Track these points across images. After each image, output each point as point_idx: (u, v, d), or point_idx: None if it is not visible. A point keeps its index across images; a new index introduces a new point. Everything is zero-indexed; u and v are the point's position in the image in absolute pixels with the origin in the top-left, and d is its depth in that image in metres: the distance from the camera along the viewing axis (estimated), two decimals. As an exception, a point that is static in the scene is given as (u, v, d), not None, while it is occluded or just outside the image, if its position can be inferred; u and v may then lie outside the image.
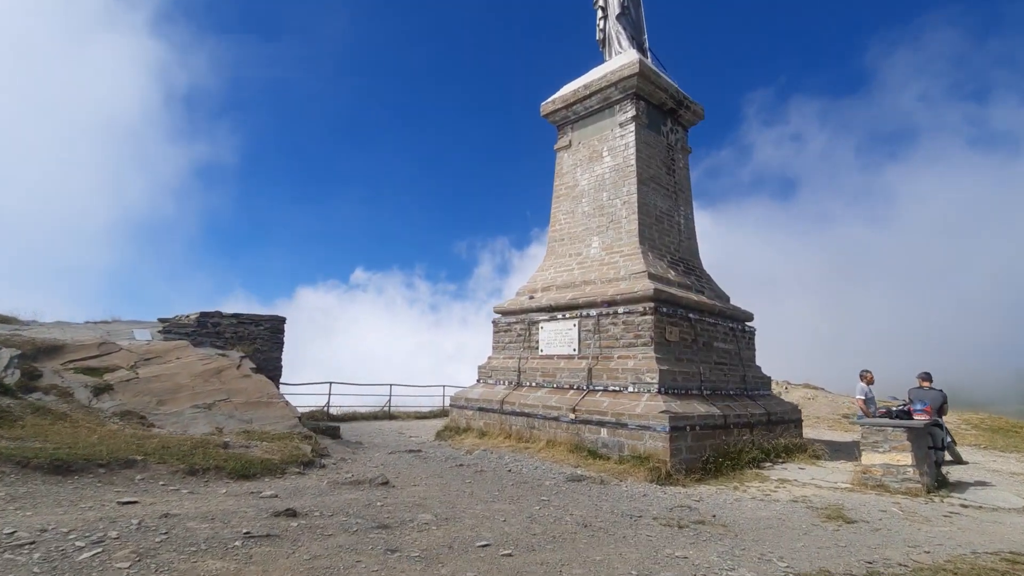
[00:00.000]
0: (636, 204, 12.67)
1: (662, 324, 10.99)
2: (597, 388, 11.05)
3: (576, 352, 11.97)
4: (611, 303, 11.56)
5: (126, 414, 7.74)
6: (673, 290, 11.65)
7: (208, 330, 10.87)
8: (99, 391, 8.08)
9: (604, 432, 10.23)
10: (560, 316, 12.45)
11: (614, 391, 10.76)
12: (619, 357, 11.13)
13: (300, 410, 16.66)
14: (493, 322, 14.24)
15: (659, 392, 10.12)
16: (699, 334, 11.91)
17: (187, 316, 10.89)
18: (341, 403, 18.14)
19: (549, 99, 15.09)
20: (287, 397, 16.55)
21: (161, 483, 5.49)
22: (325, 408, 16.92)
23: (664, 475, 9.12)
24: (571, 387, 11.57)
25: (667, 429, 9.35)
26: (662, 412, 9.52)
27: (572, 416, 10.75)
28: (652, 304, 10.89)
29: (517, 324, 13.49)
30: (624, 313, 11.24)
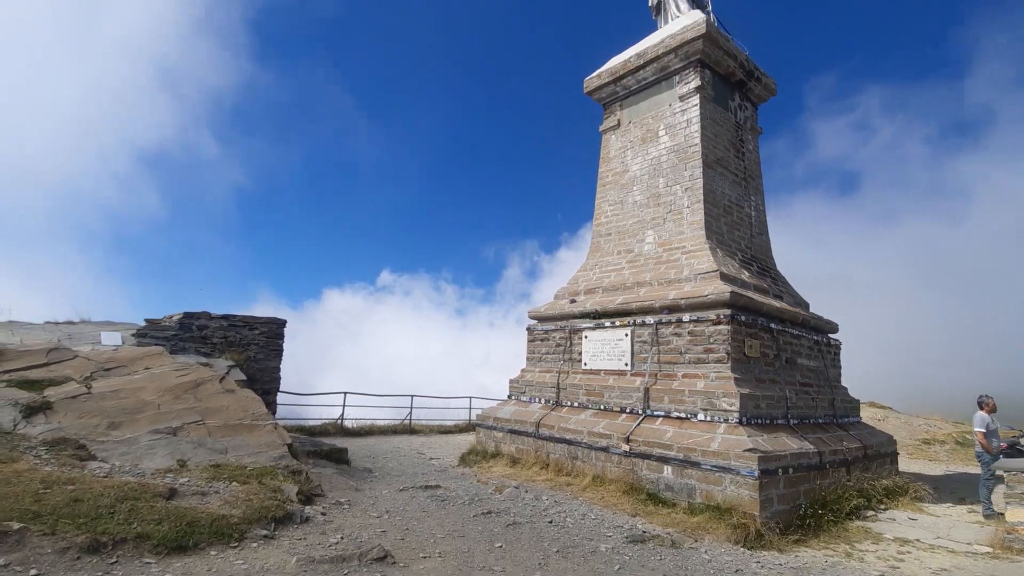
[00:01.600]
0: (701, 191, 10.41)
1: (740, 336, 8.70)
2: (656, 413, 8.82)
3: (629, 367, 9.75)
4: (673, 308, 9.32)
5: (59, 443, 5.93)
6: (751, 294, 9.34)
7: (193, 334, 9.07)
8: (32, 411, 6.30)
9: (668, 471, 8.00)
10: (608, 324, 10.26)
11: (679, 418, 8.52)
12: (684, 376, 8.88)
13: (311, 423, 14.86)
14: (528, 329, 12.13)
15: (740, 423, 7.84)
16: (781, 349, 9.56)
17: (169, 317, 9.14)
18: (359, 415, 16.31)
19: (594, 73, 12.94)
20: (294, 409, 14.75)
21: (32, 572, 3.60)
22: (339, 420, 15.07)
23: (753, 535, 6.83)
24: (623, 410, 9.36)
25: (756, 474, 7.07)
26: (748, 451, 7.24)
27: (626, 448, 8.55)
28: (728, 311, 8.62)
29: (556, 332, 11.35)
30: (691, 321, 8.99)
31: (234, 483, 6.03)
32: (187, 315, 9.13)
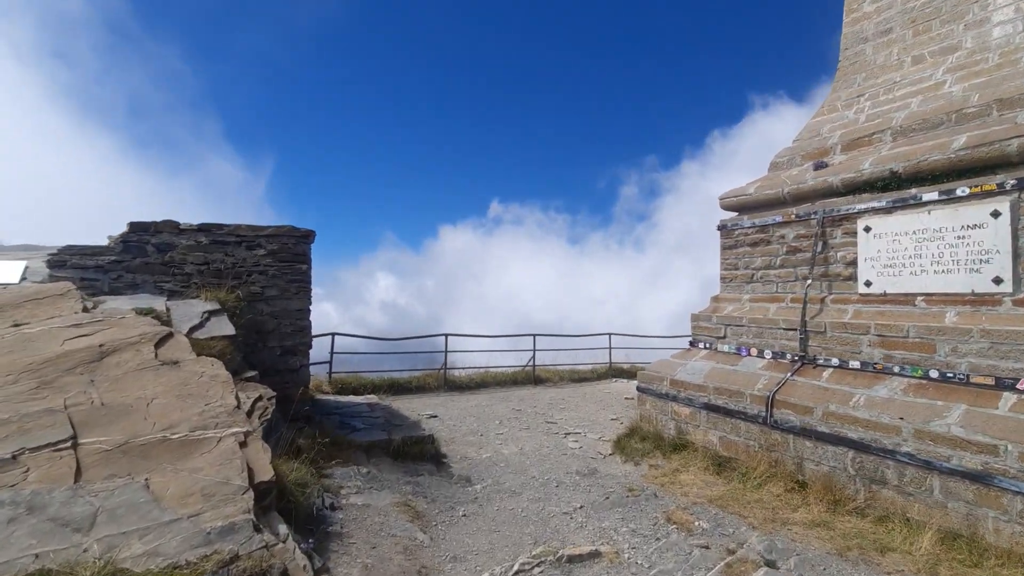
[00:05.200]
0: None
1: None
2: None
3: (1006, 288, 4.27)
4: None
5: None
6: None
7: (149, 259, 5.19)
8: None
9: None
10: (936, 196, 4.73)
11: None
12: None
13: (404, 376, 11.15)
14: (721, 228, 6.87)
15: None
16: None
17: (110, 237, 5.35)
18: (473, 361, 12.49)
19: None
20: (381, 358, 11.02)
21: None
22: (441, 370, 11.23)
23: None
24: (1000, 384, 4.03)
25: None
26: None
27: (1066, 488, 3.31)
28: None
29: (787, 227, 6.00)
30: None
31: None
32: (136, 226, 5.21)
